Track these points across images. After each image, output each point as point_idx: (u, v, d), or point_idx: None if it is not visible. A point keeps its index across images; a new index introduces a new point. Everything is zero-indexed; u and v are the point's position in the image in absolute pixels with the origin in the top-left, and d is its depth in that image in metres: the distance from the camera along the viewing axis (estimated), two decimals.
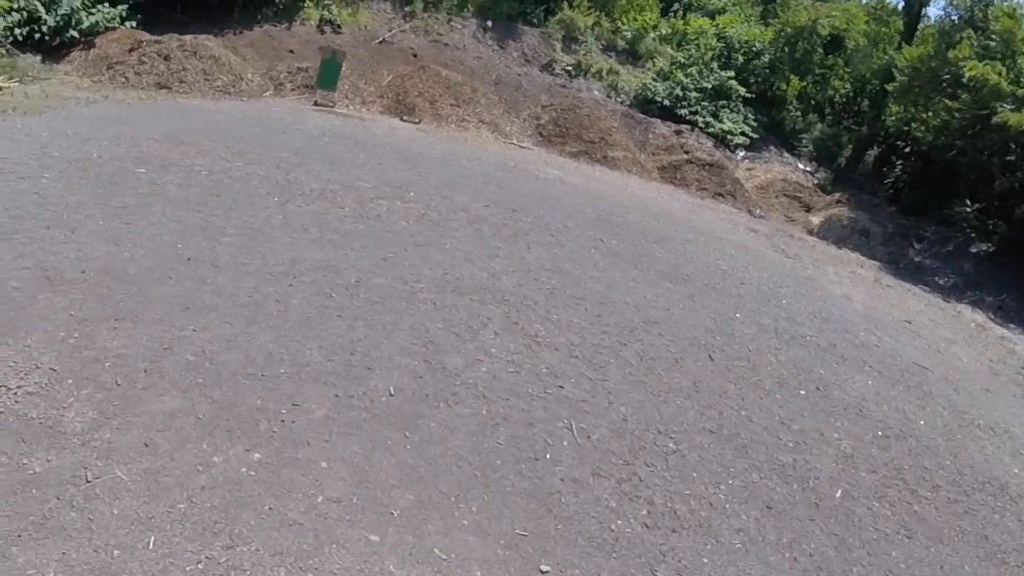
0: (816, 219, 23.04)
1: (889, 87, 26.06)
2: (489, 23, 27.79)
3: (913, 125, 24.98)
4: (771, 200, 24.08)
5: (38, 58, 20.25)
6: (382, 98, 21.58)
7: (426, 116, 20.78)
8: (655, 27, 30.52)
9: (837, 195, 24.92)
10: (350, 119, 18.98)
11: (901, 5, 27.10)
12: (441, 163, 15.84)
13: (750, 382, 8.88)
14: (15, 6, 19.81)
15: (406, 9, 27.06)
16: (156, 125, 14.26)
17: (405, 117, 20.41)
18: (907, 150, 26.14)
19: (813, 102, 30.43)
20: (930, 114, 23.72)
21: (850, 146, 28.91)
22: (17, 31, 19.71)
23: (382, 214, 10.96)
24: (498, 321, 8.51)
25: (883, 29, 29.14)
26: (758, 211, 22.28)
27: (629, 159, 22.38)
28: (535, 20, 28.72)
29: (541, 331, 8.59)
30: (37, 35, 20.13)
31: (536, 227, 12.53)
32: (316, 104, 19.98)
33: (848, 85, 30.24)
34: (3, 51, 19.23)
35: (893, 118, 26.45)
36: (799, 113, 29.85)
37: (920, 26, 30.60)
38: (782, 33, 29.40)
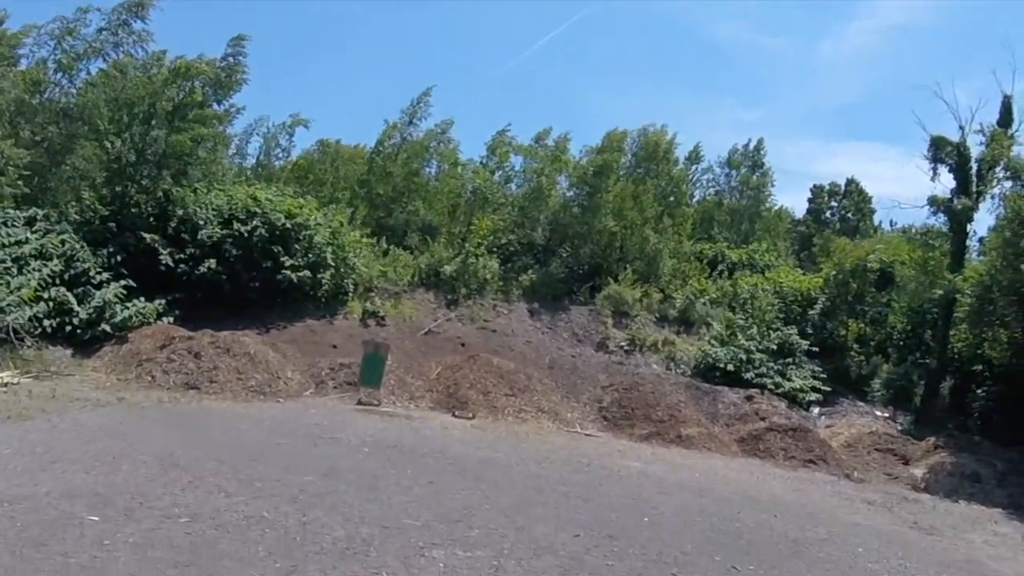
0: (918, 471, 18.83)
1: (957, 311, 22.82)
2: (536, 305, 25.07)
3: (986, 346, 21.62)
4: (864, 458, 19.83)
5: (68, 352, 17.69)
6: (431, 392, 18.17)
7: (480, 409, 17.22)
8: (703, 291, 27.72)
9: (932, 440, 20.67)
10: (396, 419, 15.41)
11: (944, 225, 24.22)
12: (507, 472, 11.95)
13: None
14: (46, 296, 17.27)
15: (450, 297, 24.48)
16: (158, 439, 10.72)
17: (457, 412, 16.84)
18: (985, 374, 22.51)
19: (873, 343, 26.81)
20: (1005, 331, 20.37)
21: (922, 383, 24.85)
22: (47, 322, 17.20)
23: None
24: None
25: (929, 254, 26.16)
26: (856, 474, 18.14)
27: (704, 435, 18.46)
28: (582, 298, 26.06)
29: None
30: (68, 327, 17.66)
31: (651, 563, 8.41)
32: (360, 403, 16.55)
33: (905, 319, 26.79)
34: (30, 343, 16.46)
35: (962, 344, 23.09)
36: (862, 357, 26.14)
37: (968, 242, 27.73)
38: (834, 277, 26.51)
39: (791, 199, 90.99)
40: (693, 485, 13.27)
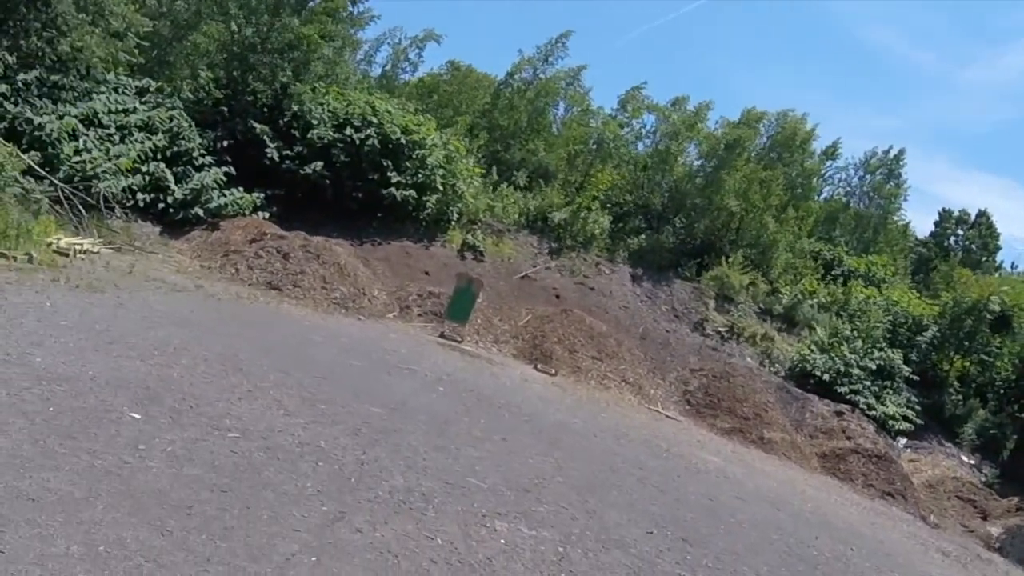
0: (995, 529, 17.17)
1: None
2: (639, 271, 23.58)
3: None
4: (943, 503, 18.17)
5: (158, 229, 17.08)
6: (516, 339, 17.04)
7: (563, 367, 16.04)
8: (813, 293, 25.69)
9: (1015, 500, 18.73)
10: (477, 360, 14.37)
11: None
12: (583, 443, 10.77)
13: None
14: (144, 169, 16.72)
15: (553, 245, 23.15)
16: (226, 337, 9.92)
17: (540, 366, 15.69)
18: None
19: (974, 384, 24.51)
20: None
21: (1014, 436, 22.63)
22: (141, 196, 16.56)
23: (494, 557, 5.79)
24: None
25: None
26: (932, 518, 16.52)
27: (787, 442, 16.96)
28: (687, 273, 24.37)
29: None
30: (162, 205, 17.00)
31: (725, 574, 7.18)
32: (442, 336, 15.58)
33: (1012, 367, 24.34)
34: (120, 214, 15.94)
35: None
36: (960, 397, 23.94)
37: None
38: (951, 308, 24.28)
39: (913, 218, 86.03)
40: (771, 496, 11.90)
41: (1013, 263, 43.76)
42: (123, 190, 16.12)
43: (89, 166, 15.61)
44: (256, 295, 14.00)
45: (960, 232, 42.05)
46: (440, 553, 5.47)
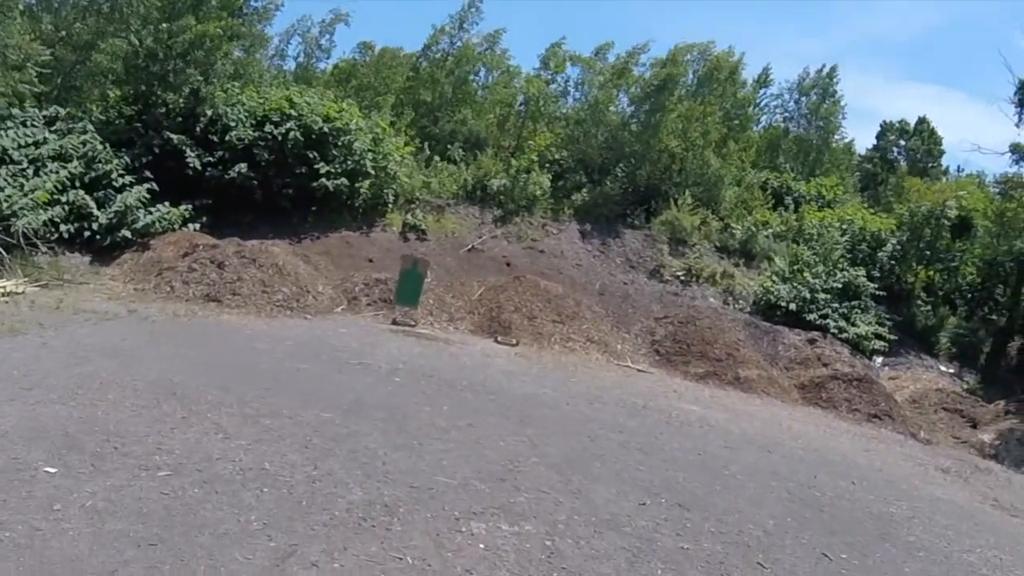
0: (986, 436, 17.05)
1: None
2: (587, 227, 23.10)
3: None
4: (930, 416, 18.01)
5: (87, 259, 16.22)
6: (472, 314, 16.48)
7: (524, 335, 15.53)
8: (766, 223, 25.44)
9: (1002, 404, 18.76)
10: (434, 343, 13.78)
11: None
12: (555, 414, 10.27)
13: None
14: (64, 199, 15.81)
15: (496, 214, 22.54)
16: (161, 361, 9.19)
17: (500, 338, 15.17)
18: None
19: (941, 293, 24.58)
20: None
21: (989, 340, 22.76)
22: (64, 227, 15.75)
23: (475, 568, 5.25)
24: None
25: (1009, 205, 23.63)
26: (922, 434, 16.32)
27: (764, 378, 16.63)
28: (636, 222, 23.92)
29: None
30: (87, 233, 16.18)
31: (732, 546, 6.71)
32: (395, 323, 14.96)
33: (976, 271, 24.45)
34: (44, 249, 15.07)
35: None
36: (928, 307, 23.95)
37: None
38: (908, 219, 24.16)
39: (854, 135, 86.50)
40: (759, 438, 11.52)
41: (959, 167, 44.14)
42: (44, 224, 15.21)
43: (4, 205, 14.65)
44: (194, 310, 13.21)
45: (902, 143, 42.20)
46: (411, 575, 4.94)
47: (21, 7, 17.17)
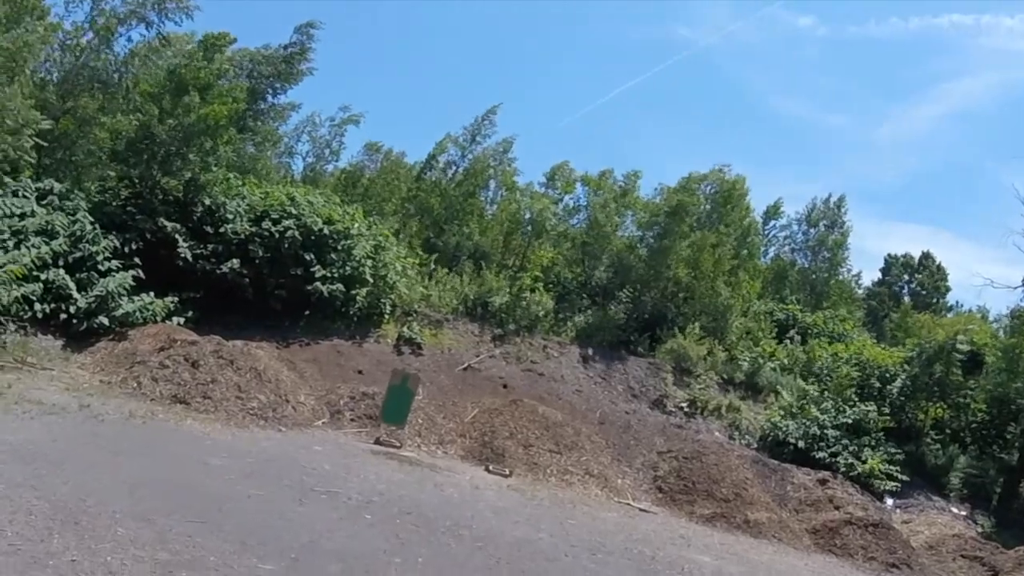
0: None
1: None
2: (589, 351, 21.46)
3: None
4: (948, 565, 15.86)
5: (60, 343, 14.65)
6: (464, 437, 14.65)
7: (519, 465, 13.67)
8: (773, 355, 23.81)
9: (1023, 550, 16.65)
10: (418, 469, 11.93)
11: None
12: (553, 570, 8.35)
13: None
14: (43, 277, 14.30)
15: (496, 332, 20.94)
16: (82, 471, 7.47)
17: (492, 467, 13.29)
18: None
19: (949, 431, 22.60)
20: None
21: (1001, 479, 20.73)
22: (39, 307, 14.19)
23: None
24: None
25: (1020, 339, 22.06)
26: None
27: (774, 522, 14.66)
28: (640, 349, 22.28)
29: None
30: (64, 315, 14.59)
31: None
32: (378, 442, 13.19)
33: (987, 407, 22.57)
34: (14, 327, 13.61)
35: None
36: (938, 445, 21.95)
37: None
38: (917, 355, 22.42)
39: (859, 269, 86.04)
40: None
41: (957, 302, 42.82)
42: (16, 301, 13.65)
43: None
44: (155, 412, 11.46)
45: (906, 277, 41.15)
46: None
47: (28, 71, 16.12)
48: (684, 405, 20.49)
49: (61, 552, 5.35)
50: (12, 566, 4.96)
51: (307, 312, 18.18)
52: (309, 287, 17.57)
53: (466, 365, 19.03)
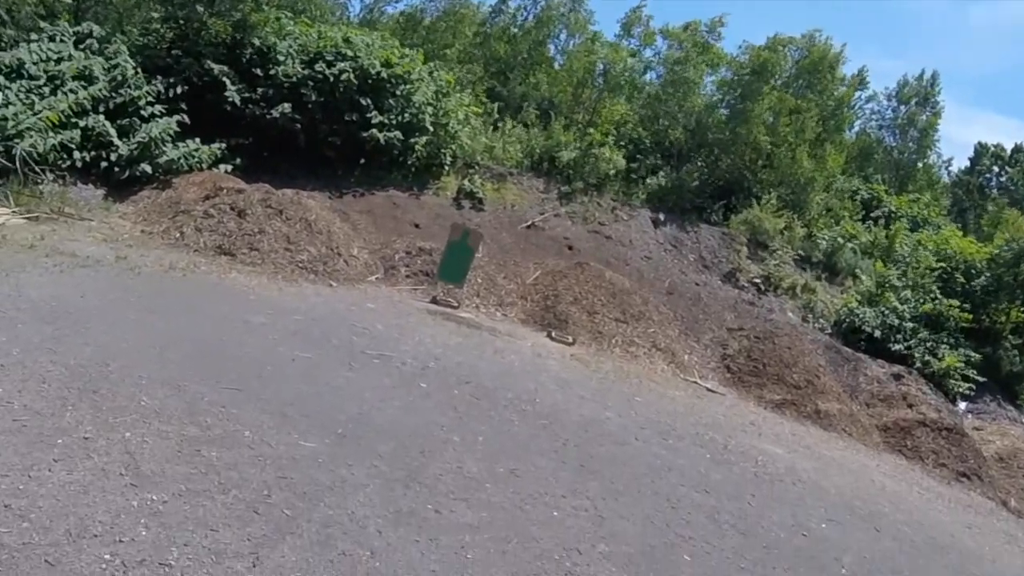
0: None
1: None
2: (660, 216, 20.13)
3: None
4: (1019, 481, 14.77)
5: (100, 192, 13.80)
6: (525, 300, 13.77)
7: (582, 332, 12.78)
8: (854, 236, 22.16)
9: None
10: (477, 332, 11.10)
11: None
12: (624, 455, 7.51)
13: None
14: (81, 124, 13.47)
15: (563, 189, 19.64)
16: (110, 332, 6.67)
17: (555, 334, 12.42)
18: None
19: None
20: None
21: None
22: (78, 155, 13.32)
23: None
24: None
25: None
26: (1012, 502, 13.20)
27: (845, 415, 13.61)
28: (714, 217, 20.81)
29: None
30: (104, 164, 13.71)
31: None
32: (434, 301, 12.35)
33: None
34: (51, 177, 12.82)
35: None
36: (1015, 351, 20.42)
37: None
38: (1007, 252, 20.58)
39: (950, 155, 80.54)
40: (859, 505, 8.63)
41: None
42: (53, 149, 12.88)
43: (10, 123, 12.32)
44: (197, 264, 10.73)
45: (995, 169, 37.88)
46: None
47: None
48: (758, 281, 19.15)
49: (73, 427, 4.59)
50: (13, 446, 4.21)
51: (362, 161, 17.06)
52: (365, 134, 16.35)
53: (529, 223, 17.92)
